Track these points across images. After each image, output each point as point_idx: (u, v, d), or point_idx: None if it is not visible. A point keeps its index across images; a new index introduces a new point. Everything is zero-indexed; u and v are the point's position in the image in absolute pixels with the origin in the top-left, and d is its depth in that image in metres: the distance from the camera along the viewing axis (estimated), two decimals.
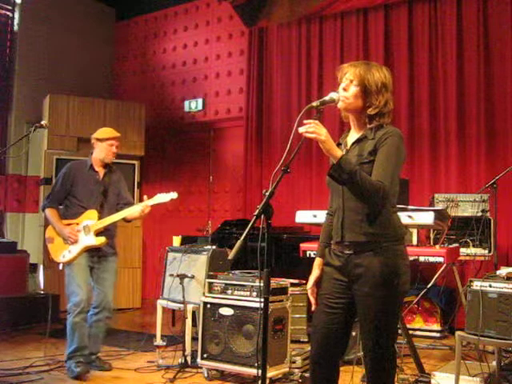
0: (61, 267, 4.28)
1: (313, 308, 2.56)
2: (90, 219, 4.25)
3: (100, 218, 4.26)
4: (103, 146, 4.38)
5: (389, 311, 2.38)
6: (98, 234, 4.23)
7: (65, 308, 5.97)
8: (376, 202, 2.32)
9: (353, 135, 2.52)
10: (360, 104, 2.43)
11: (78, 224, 4.26)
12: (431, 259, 3.94)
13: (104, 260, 4.33)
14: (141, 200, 4.43)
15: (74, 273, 4.19)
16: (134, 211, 4.28)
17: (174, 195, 4.25)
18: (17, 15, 7.76)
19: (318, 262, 2.61)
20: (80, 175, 4.37)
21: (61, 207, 4.42)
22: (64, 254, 4.24)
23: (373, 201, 2.32)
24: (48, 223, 4.40)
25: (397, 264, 2.37)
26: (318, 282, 2.57)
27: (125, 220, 4.37)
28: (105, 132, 4.45)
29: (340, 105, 2.45)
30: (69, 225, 4.27)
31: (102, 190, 4.37)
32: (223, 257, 4.66)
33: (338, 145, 2.51)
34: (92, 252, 4.26)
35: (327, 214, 2.64)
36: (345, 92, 2.43)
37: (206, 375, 4.09)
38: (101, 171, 4.42)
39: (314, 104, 2.37)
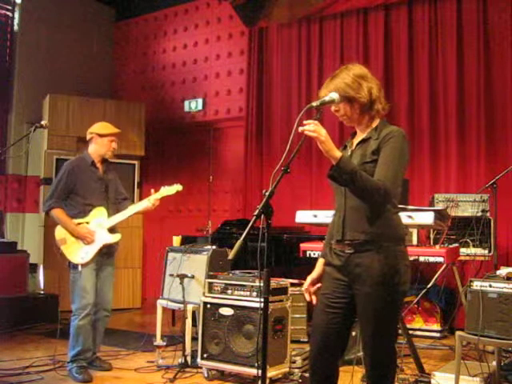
0: (80, 268, 4.14)
1: (307, 298, 2.58)
2: (101, 217, 4.22)
3: (108, 214, 4.24)
4: (104, 142, 4.32)
5: (389, 311, 2.38)
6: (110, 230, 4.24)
7: (64, 308, 6.00)
8: (377, 201, 2.33)
9: (359, 136, 2.55)
10: (356, 109, 2.46)
11: (88, 223, 4.20)
12: (431, 259, 3.94)
13: (107, 259, 4.30)
14: (141, 200, 4.42)
15: (80, 275, 4.14)
16: (143, 206, 4.25)
17: (178, 187, 4.29)
18: (17, 15, 7.77)
19: (320, 261, 2.61)
20: (82, 173, 4.29)
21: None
22: (81, 255, 4.15)
23: (374, 200, 2.32)
24: (55, 224, 4.25)
25: (397, 264, 2.37)
26: (316, 282, 2.58)
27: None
28: (106, 127, 4.39)
29: (347, 123, 2.53)
30: (79, 224, 4.20)
31: (104, 187, 4.34)
32: (223, 257, 4.66)
33: (344, 147, 2.56)
34: (101, 251, 4.22)
35: (334, 214, 2.63)
36: (338, 113, 2.47)
37: (206, 375, 4.09)
38: (101, 167, 4.38)
39: (314, 104, 2.37)
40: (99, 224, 4.21)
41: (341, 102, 2.43)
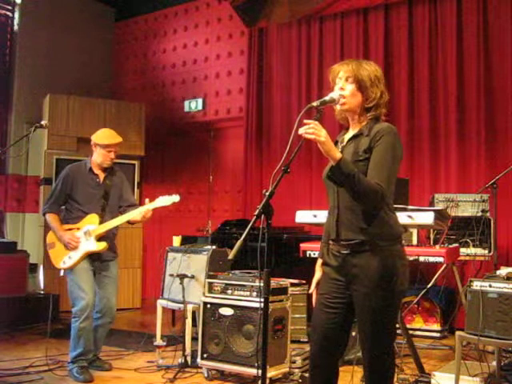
0: (62, 273, 4.21)
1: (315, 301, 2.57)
2: (91, 224, 4.18)
3: (101, 222, 4.19)
4: (101, 152, 4.28)
5: (386, 311, 2.37)
6: (100, 238, 4.18)
7: (64, 308, 6.00)
8: (373, 203, 2.32)
9: (350, 132, 2.53)
10: (359, 100, 2.44)
11: (78, 229, 4.20)
12: (431, 259, 3.94)
13: (106, 265, 4.29)
14: (141, 201, 4.40)
15: (77, 277, 4.14)
16: (134, 215, 4.19)
17: (175, 198, 4.14)
18: (17, 15, 7.77)
19: (319, 263, 2.60)
20: (79, 178, 4.29)
21: (62, 207, 4.37)
22: (64, 260, 4.18)
23: (370, 203, 2.31)
24: (49, 228, 4.34)
25: (394, 264, 2.36)
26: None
27: (128, 222, 4.30)
28: (105, 137, 4.31)
29: (341, 107, 2.45)
30: (70, 230, 4.21)
31: (103, 193, 4.29)
32: (223, 257, 4.66)
33: (335, 143, 2.50)
34: (93, 256, 4.22)
35: (328, 213, 2.63)
36: (343, 91, 2.43)
37: (206, 375, 4.10)
38: (101, 174, 4.34)
39: (314, 104, 2.36)
40: (87, 231, 4.17)
41: (353, 83, 2.42)
